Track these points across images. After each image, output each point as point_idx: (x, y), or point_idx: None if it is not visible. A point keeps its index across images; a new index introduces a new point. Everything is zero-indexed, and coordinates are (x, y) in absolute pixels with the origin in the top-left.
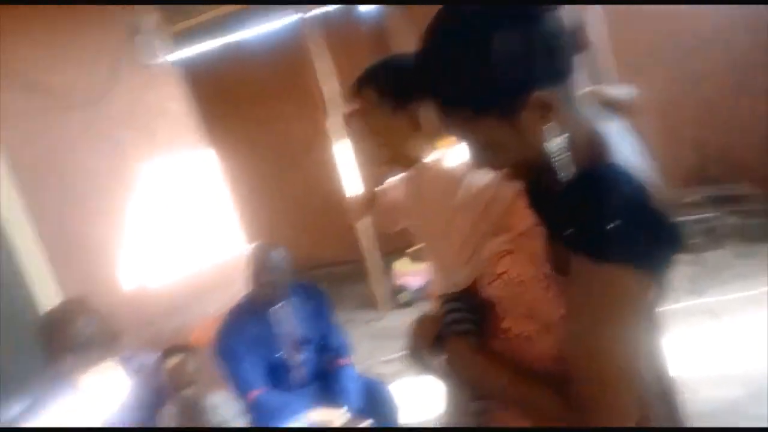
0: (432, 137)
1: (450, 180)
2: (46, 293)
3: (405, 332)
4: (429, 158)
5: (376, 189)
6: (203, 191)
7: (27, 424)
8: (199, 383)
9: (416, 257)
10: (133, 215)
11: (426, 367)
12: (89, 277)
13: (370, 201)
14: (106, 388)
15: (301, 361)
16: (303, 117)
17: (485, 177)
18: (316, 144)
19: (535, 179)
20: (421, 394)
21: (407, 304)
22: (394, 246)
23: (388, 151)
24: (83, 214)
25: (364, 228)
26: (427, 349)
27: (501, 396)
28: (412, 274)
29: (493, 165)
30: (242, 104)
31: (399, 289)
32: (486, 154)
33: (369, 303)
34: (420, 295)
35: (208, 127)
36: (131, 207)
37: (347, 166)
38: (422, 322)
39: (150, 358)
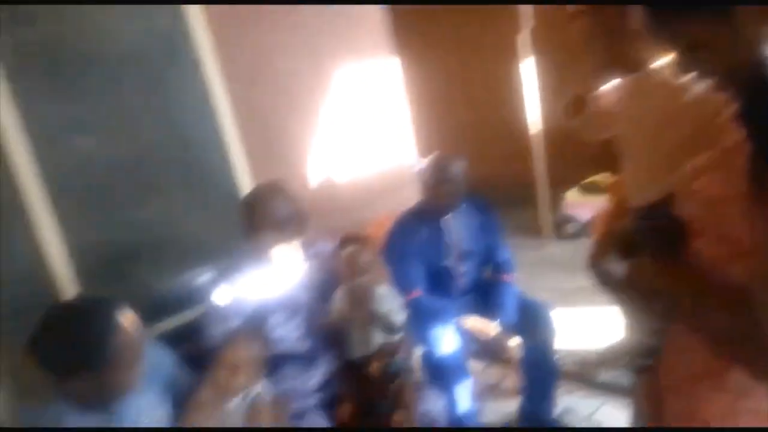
0: (653, 44)
1: (669, 90)
2: (246, 180)
3: (568, 263)
4: (650, 66)
5: (589, 94)
6: (389, 99)
7: (223, 286)
8: (370, 274)
9: (588, 189)
10: (325, 115)
11: (607, 280)
12: (284, 167)
13: (582, 105)
14: (290, 265)
15: (463, 271)
16: (494, 31)
17: (702, 88)
18: (502, 60)
19: (749, 87)
20: (580, 325)
21: (573, 235)
22: (566, 175)
23: (609, 55)
24: (282, 111)
25: (539, 153)
26: (611, 260)
27: (683, 314)
28: (582, 205)
29: (703, 70)
30: (435, 18)
31: (566, 220)
32: (696, 58)
33: (533, 230)
34: (587, 228)
35: (400, 37)
36: (324, 107)
37: (532, 85)
38: (610, 233)
39: (328, 245)
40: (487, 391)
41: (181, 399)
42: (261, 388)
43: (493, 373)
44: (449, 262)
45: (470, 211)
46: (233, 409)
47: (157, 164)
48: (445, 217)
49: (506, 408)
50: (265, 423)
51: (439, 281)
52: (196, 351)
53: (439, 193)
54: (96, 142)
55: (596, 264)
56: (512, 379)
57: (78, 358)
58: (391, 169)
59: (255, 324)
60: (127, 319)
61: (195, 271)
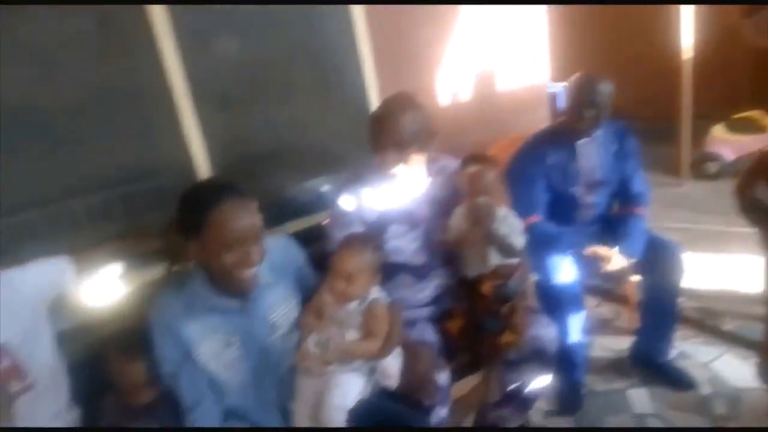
0: None
1: None
2: (376, 91)
3: (703, 204)
4: None
5: None
6: (527, 15)
7: (348, 194)
8: (492, 194)
9: (737, 126)
10: (460, 30)
11: (755, 206)
12: (414, 81)
13: None
14: (413, 179)
15: (591, 201)
16: None
17: None
18: None
19: None
20: (708, 270)
21: (713, 176)
22: (714, 109)
23: None
24: (416, 25)
25: (686, 83)
26: (762, 186)
27: None
28: (727, 143)
29: None
30: None
31: (708, 158)
32: None
33: (670, 167)
34: (731, 169)
35: None
36: (460, 22)
37: (684, 8)
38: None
39: (452, 163)
40: (599, 327)
41: (306, 297)
42: (377, 293)
43: (607, 310)
44: (577, 189)
45: (607, 138)
46: (351, 311)
47: (293, 70)
48: (580, 141)
49: (617, 345)
50: (381, 326)
51: (563, 208)
52: (321, 254)
53: (578, 114)
54: (238, 45)
55: (745, 189)
56: (626, 319)
57: (188, 224)
58: (523, 90)
59: (375, 232)
60: (240, 200)
61: (322, 176)
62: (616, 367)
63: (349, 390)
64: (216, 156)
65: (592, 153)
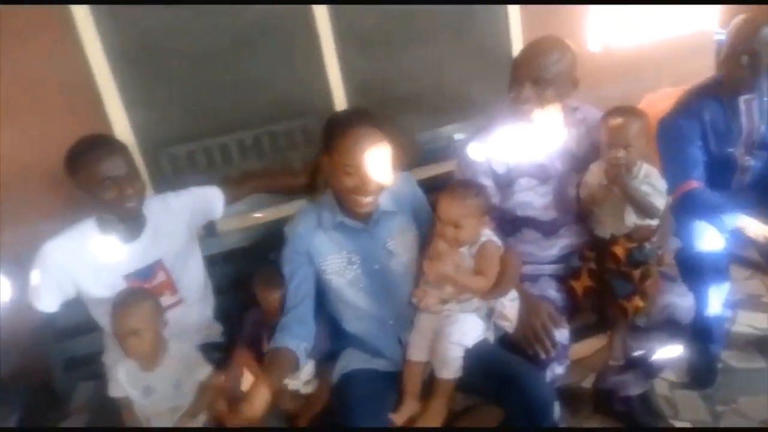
0: None
1: None
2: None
3: None
4: None
5: None
6: None
7: (479, 142)
8: (635, 148)
9: None
10: None
11: None
12: (560, 25)
13: None
14: (550, 128)
15: (750, 163)
16: None
17: None
18: None
19: None
20: None
21: None
22: None
23: None
24: None
25: None
26: None
27: None
28: None
29: None
30: None
31: None
32: None
33: None
34: None
35: None
36: None
37: None
38: None
39: (594, 114)
40: (745, 301)
41: (423, 233)
42: (490, 236)
43: (757, 284)
44: (737, 149)
45: None
46: (464, 254)
47: (435, 14)
48: (745, 97)
49: (764, 323)
50: (492, 265)
51: (718, 170)
52: None
53: (735, 63)
54: None
55: None
56: None
57: (325, 141)
58: (681, 37)
59: (503, 184)
60: (370, 129)
61: (458, 123)
62: (759, 345)
63: (467, 329)
64: (355, 97)
65: (757, 110)
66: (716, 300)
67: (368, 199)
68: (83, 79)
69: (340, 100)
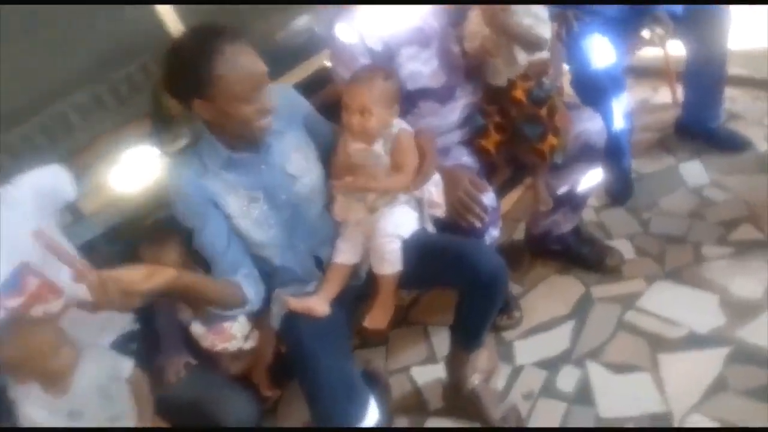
0: None
1: None
2: None
3: None
4: None
5: None
6: None
7: (344, 24)
8: None
9: None
10: None
11: None
12: None
13: None
14: None
15: None
16: None
17: None
18: None
19: None
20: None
21: None
22: None
23: None
24: None
25: None
26: None
27: None
28: None
29: None
30: None
31: None
32: None
33: None
34: None
35: None
36: None
37: None
38: None
39: None
40: (639, 107)
41: (324, 148)
42: (401, 125)
43: (643, 88)
44: None
45: None
46: (378, 153)
47: None
48: None
49: (659, 122)
50: (410, 157)
51: None
52: (332, 97)
53: None
54: None
55: None
56: (665, 94)
57: (188, 83)
58: None
59: (384, 60)
60: (242, 44)
61: (314, 12)
62: (662, 145)
63: (400, 220)
64: (188, 11)
65: None
66: (619, 113)
67: (270, 118)
68: None
69: (169, 19)
